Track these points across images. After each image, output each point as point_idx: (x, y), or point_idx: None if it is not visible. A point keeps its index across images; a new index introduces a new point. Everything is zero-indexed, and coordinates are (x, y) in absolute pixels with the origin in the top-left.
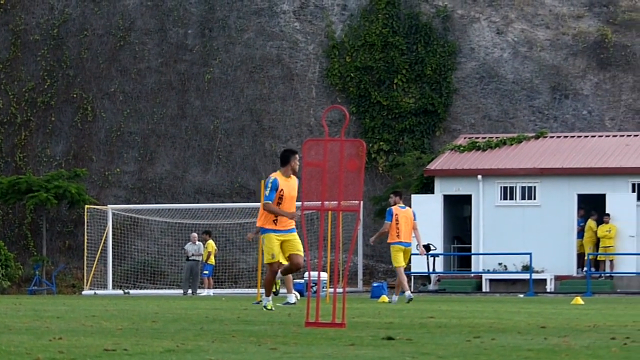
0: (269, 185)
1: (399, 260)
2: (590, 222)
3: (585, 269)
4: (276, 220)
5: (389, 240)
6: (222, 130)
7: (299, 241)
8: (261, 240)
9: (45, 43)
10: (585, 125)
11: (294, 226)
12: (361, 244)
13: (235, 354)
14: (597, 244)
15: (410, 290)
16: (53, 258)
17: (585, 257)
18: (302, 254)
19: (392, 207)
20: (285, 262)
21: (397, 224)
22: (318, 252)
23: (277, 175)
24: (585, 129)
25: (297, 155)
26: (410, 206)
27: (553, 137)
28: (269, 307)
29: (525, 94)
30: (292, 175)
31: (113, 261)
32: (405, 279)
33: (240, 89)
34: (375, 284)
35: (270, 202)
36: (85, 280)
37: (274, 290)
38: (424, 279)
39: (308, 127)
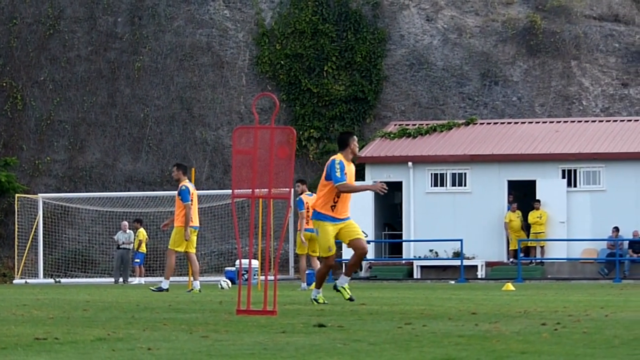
0: (337, 166)
1: (303, 248)
2: (510, 214)
3: (511, 259)
4: (335, 206)
5: (299, 228)
6: (152, 118)
7: (357, 225)
8: (311, 225)
9: None
10: (515, 112)
11: (349, 215)
12: (292, 231)
13: (167, 342)
14: (528, 229)
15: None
16: None
17: (511, 247)
18: (363, 236)
19: (301, 196)
20: (315, 254)
21: (307, 211)
22: (249, 240)
23: (341, 158)
24: (515, 115)
25: (355, 137)
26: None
27: (483, 123)
28: (320, 301)
29: (455, 81)
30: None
31: (44, 250)
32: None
33: (170, 77)
34: (308, 272)
35: (344, 182)
36: (16, 270)
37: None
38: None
39: (238, 114)
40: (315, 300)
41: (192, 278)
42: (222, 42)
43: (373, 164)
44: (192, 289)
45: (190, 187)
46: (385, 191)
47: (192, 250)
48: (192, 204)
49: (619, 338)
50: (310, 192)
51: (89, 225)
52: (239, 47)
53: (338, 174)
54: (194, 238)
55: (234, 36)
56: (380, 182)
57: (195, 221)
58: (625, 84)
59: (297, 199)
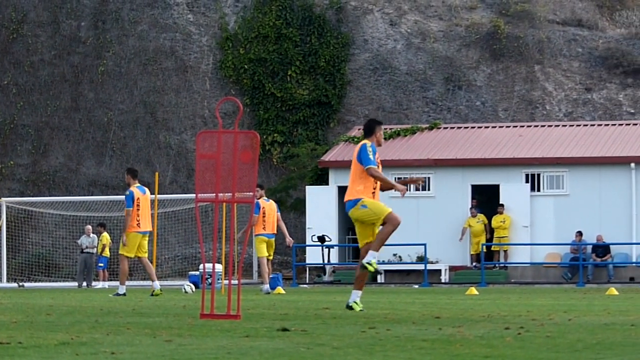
0: (370, 149)
1: (262, 251)
2: (470, 219)
3: (474, 264)
4: (375, 192)
5: (255, 232)
6: (116, 122)
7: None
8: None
9: None
10: (478, 116)
11: None
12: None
13: (130, 346)
14: (492, 233)
15: (306, 281)
16: None
17: (472, 252)
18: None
19: (258, 200)
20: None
21: (263, 216)
22: (212, 244)
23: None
24: (479, 119)
25: (382, 127)
26: (305, 197)
27: (447, 128)
28: (358, 308)
29: (418, 85)
30: None
31: (7, 254)
32: (267, 271)
33: (134, 81)
34: (270, 276)
35: (375, 167)
36: None
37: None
38: (319, 270)
39: (202, 119)
40: (355, 303)
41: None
42: (185, 46)
43: (337, 168)
44: (153, 292)
45: (137, 192)
46: (423, 183)
47: (142, 255)
48: (139, 209)
49: (582, 342)
50: (267, 198)
51: (52, 230)
52: (203, 52)
53: (370, 157)
54: (145, 242)
55: (198, 40)
56: (415, 176)
57: (144, 226)
58: (588, 88)
59: (256, 202)
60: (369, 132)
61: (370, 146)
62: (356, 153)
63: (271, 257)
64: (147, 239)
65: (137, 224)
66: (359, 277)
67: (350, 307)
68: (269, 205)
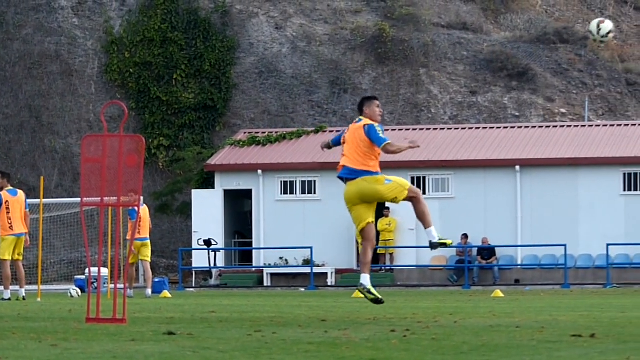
0: (378, 128)
1: (134, 257)
2: None
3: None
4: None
5: (129, 237)
6: (0, 126)
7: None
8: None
9: None
10: None
11: None
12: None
13: (16, 350)
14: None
15: (193, 285)
16: None
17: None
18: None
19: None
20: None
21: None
22: (98, 249)
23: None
24: None
25: (375, 102)
26: (191, 201)
27: (332, 131)
28: (372, 294)
29: (304, 89)
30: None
31: None
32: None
33: (19, 85)
34: (156, 280)
35: (390, 141)
36: None
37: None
38: (205, 273)
39: (88, 123)
40: (368, 291)
41: (38, 287)
42: (71, 50)
43: (223, 172)
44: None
45: (6, 195)
46: (418, 146)
47: (17, 258)
48: (9, 212)
49: (468, 344)
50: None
51: None
52: (88, 56)
53: (382, 135)
54: (21, 244)
55: (83, 44)
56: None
57: (18, 228)
58: (473, 91)
59: (131, 208)
60: (359, 111)
61: (378, 125)
62: (362, 131)
63: (148, 258)
64: (22, 240)
65: (10, 227)
66: (366, 261)
67: (368, 291)
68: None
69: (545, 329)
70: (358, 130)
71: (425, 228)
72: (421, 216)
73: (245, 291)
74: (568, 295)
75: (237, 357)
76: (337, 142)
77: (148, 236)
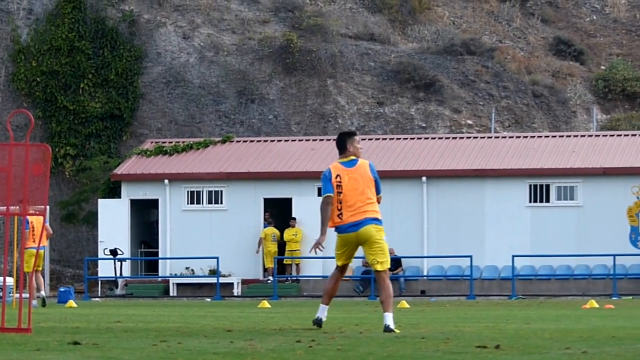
0: (326, 175)
1: (31, 265)
2: (266, 230)
3: (269, 279)
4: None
5: (26, 246)
6: None
7: None
8: None
9: None
10: (271, 130)
11: None
12: (48, 249)
13: None
14: (283, 248)
15: (98, 294)
16: None
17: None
18: None
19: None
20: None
21: (32, 230)
22: (4, 258)
23: (333, 166)
24: (272, 133)
25: (356, 138)
26: (97, 210)
27: (239, 141)
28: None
29: (211, 99)
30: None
31: None
32: (34, 285)
33: None
34: (62, 289)
35: (330, 195)
36: None
37: None
38: (111, 283)
39: None
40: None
41: None
42: None
43: (129, 181)
44: None
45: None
46: (322, 249)
47: None
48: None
49: (373, 355)
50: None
51: None
52: None
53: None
54: None
55: None
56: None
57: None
58: (380, 102)
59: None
60: (340, 148)
61: (327, 172)
62: (369, 171)
63: (40, 268)
64: None
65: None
66: (329, 292)
67: (319, 323)
68: (37, 220)
69: (451, 340)
70: (365, 172)
71: (387, 313)
72: (387, 296)
73: (151, 301)
74: (473, 307)
75: None
76: (330, 198)
77: (44, 245)
